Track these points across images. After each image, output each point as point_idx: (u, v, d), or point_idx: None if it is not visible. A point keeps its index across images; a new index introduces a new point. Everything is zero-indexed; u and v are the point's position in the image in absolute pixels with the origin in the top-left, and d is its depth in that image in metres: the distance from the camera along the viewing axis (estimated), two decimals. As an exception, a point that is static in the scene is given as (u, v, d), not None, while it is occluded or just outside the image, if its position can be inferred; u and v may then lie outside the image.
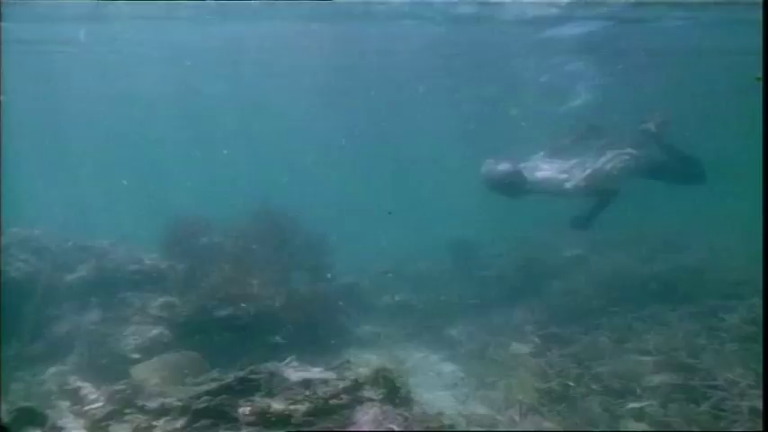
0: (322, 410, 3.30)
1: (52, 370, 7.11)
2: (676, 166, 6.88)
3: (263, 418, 3.22)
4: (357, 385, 3.57)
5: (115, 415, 3.38)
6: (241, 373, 3.94)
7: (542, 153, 7.26)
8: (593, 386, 5.78)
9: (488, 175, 6.87)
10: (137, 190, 29.91)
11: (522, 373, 6.22)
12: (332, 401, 3.37)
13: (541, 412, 5.29)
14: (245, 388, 3.83)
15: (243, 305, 7.09)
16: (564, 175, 6.91)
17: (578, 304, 8.26)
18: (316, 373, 4.09)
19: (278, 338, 7.19)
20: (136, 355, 6.74)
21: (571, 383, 5.83)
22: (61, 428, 3.18)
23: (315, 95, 18.74)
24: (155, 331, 7.17)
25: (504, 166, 6.80)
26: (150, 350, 6.78)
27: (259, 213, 9.84)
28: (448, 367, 7.77)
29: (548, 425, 4.88)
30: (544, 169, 7.04)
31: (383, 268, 10.96)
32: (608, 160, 6.81)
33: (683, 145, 6.91)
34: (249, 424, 3.26)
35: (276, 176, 26.97)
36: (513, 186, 6.87)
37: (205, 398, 3.48)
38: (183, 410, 3.35)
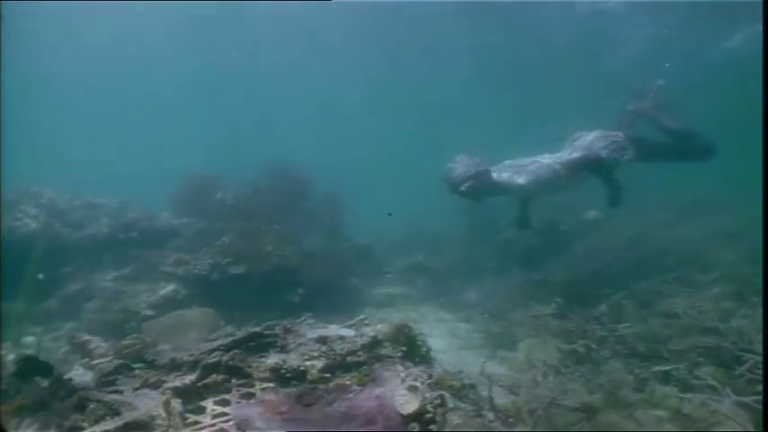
0: (339, 367, 3.14)
1: (66, 326, 7.09)
2: (677, 144, 6.38)
3: (278, 374, 3.07)
4: (376, 342, 3.40)
5: (124, 369, 3.25)
6: (255, 329, 3.80)
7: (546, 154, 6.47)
8: (618, 349, 5.57)
9: (448, 178, 6.14)
10: (148, 146, 29.94)
11: (543, 334, 6.03)
12: (349, 358, 3.21)
13: (564, 374, 5.11)
14: (260, 344, 3.69)
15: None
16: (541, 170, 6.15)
17: (600, 267, 8.00)
18: (332, 329, 3.92)
19: (293, 297, 7.07)
20: (149, 312, 6.67)
21: (594, 345, 5.63)
22: (69, 380, 3.05)
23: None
24: (168, 288, 7.08)
25: (464, 168, 6.04)
26: (164, 307, 6.70)
27: (274, 171, 9.65)
28: (465, 328, 7.62)
29: (572, 386, 4.69)
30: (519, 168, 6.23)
31: (388, 212, 10.58)
32: (601, 145, 6.25)
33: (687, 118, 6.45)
34: (263, 380, 3.11)
35: (293, 134, 26.75)
36: (477, 190, 6.08)
37: (217, 353, 3.33)
38: (194, 365, 3.20)
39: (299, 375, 3.07)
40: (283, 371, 3.06)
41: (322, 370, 3.06)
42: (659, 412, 4.27)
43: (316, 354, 3.17)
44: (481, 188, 6.11)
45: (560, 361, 5.32)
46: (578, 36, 14.54)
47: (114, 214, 9.04)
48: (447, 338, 7.10)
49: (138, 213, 9.03)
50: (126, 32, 19.39)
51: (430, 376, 2.61)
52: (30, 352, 3.21)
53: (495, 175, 6.19)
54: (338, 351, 3.18)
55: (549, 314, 6.58)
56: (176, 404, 2.66)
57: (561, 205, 10.49)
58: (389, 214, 7.41)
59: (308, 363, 3.05)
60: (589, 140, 6.33)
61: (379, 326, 3.58)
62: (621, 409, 4.28)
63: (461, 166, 6.08)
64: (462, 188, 6.00)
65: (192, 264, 7.16)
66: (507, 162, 6.35)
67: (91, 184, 10.79)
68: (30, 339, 6.11)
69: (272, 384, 3.04)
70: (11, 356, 3.16)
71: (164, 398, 2.52)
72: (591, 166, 6.16)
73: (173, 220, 8.99)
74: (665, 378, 4.98)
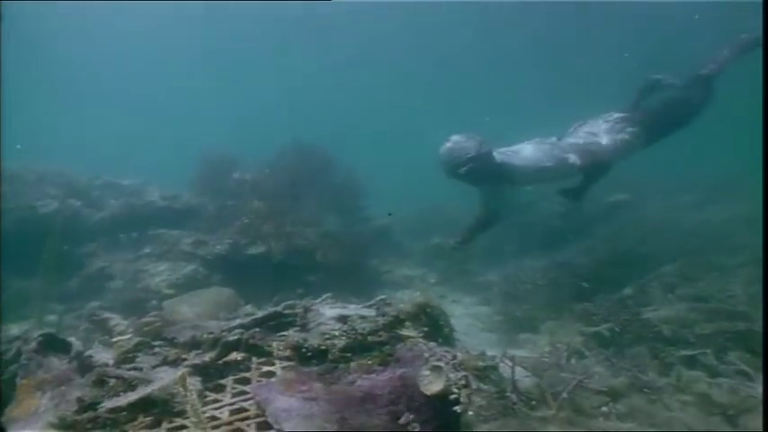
0: (360, 346, 3.08)
1: (88, 305, 7.14)
2: (682, 98, 6.03)
3: (298, 352, 3.02)
4: (397, 321, 3.33)
5: (143, 347, 3.23)
6: (275, 308, 3.76)
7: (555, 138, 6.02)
8: (643, 332, 5.45)
9: (444, 159, 5.48)
10: (167, 127, 30.08)
11: (566, 317, 5.93)
12: (370, 338, 3.15)
13: (587, 357, 5.01)
14: (280, 323, 3.66)
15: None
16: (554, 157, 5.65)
17: (625, 250, 7.84)
18: (353, 309, 3.87)
19: (311, 278, 7.05)
20: (169, 291, 6.69)
21: (618, 329, 5.53)
22: (89, 357, 3.04)
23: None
24: (188, 268, 7.10)
25: (463, 148, 5.38)
26: (184, 286, 6.72)
27: (293, 151, 9.59)
28: (484, 310, 7.55)
29: (597, 369, 4.60)
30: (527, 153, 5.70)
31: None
32: (609, 136, 5.86)
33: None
34: (283, 358, 3.07)
35: (312, 115, 26.68)
36: (477, 174, 5.46)
37: (237, 331, 3.29)
38: (214, 343, 3.17)
39: (320, 354, 3.01)
40: (304, 349, 3.01)
41: (343, 349, 3.01)
42: (686, 397, 4.15)
43: (336, 333, 3.11)
44: (482, 172, 5.44)
45: (584, 344, 5.23)
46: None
47: (134, 194, 9.08)
48: (466, 320, 7.04)
49: (157, 193, 9.06)
50: (148, 14, 19.48)
51: (454, 357, 2.53)
52: (51, 330, 3.19)
53: (498, 158, 5.56)
54: (359, 330, 3.12)
55: (572, 297, 6.47)
56: (195, 381, 2.63)
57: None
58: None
59: (328, 341, 2.99)
60: (598, 131, 5.96)
61: (402, 305, 3.51)
62: (646, 393, 4.18)
63: (460, 145, 5.41)
64: (461, 171, 5.34)
65: (212, 244, 7.17)
66: (515, 147, 5.81)
67: (111, 165, 10.88)
68: (52, 318, 6.17)
69: (292, 363, 2.99)
70: (32, 334, 3.14)
71: (179, 373, 2.49)
72: (591, 171, 5.73)
73: (192, 200, 9.01)
74: (691, 363, 4.87)
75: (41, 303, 6.16)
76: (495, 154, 5.57)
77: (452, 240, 6.15)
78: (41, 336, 2.92)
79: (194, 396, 2.41)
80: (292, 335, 3.27)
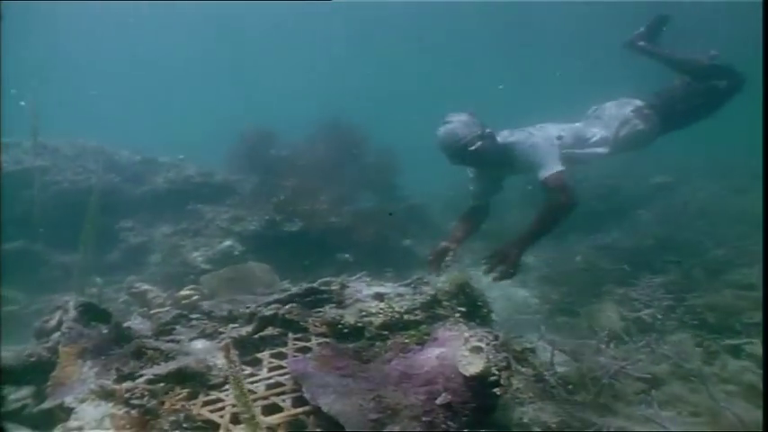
0: (397, 325, 3.04)
1: (128, 278, 7.28)
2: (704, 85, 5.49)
3: (335, 329, 2.99)
4: (435, 301, 3.27)
5: (181, 319, 3.25)
6: (312, 284, 3.74)
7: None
8: (686, 319, 5.29)
9: (447, 141, 4.98)
10: (205, 102, 30.44)
11: (606, 301, 5.79)
12: (407, 316, 3.10)
13: (628, 342, 4.88)
14: (316, 299, 3.63)
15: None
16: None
17: (669, 234, 7.61)
18: (390, 287, 3.83)
19: (346, 256, 7.05)
20: (207, 266, 6.77)
21: (660, 315, 5.37)
22: (128, 328, 3.07)
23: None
24: (225, 243, 7.16)
25: (467, 127, 4.93)
26: (221, 262, 6.78)
27: (329, 128, 9.55)
28: (520, 293, 7.42)
29: (637, 355, 4.48)
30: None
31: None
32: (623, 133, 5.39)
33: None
34: (319, 335, 3.04)
35: (349, 91, 26.64)
36: (485, 154, 4.96)
37: (274, 306, 3.28)
38: (251, 318, 3.17)
39: (356, 332, 2.98)
40: (340, 326, 2.98)
41: (379, 327, 2.97)
42: (731, 387, 4.01)
43: (373, 310, 3.07)
44: (488, 153, 5.00)
45: (624, 329, 5.09)
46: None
47: (172, 170, 9.19)
48: (501, 302, 6.93)
49: (195, 169, 9.15)
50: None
51: (496, 337, 2.46)
52: (91, 300, 3.24)
53: (502, 140, 5.16)
54: (396, 308, 3.07)
55: (612, 281, 6.32)
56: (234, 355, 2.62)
57: (626, 169, 10.04)
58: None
59: (365, 319, 2.95)
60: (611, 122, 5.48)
61: (439, 284, 3.44)
62: (688, 381, 4.05)
63: (463, 125, 4.97)
64: (472, 148, 4.89)
65: (248, 220, 7.21)
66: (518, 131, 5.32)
67: (150, 142, 11.04)
68: (92, 290, 6.31)
69: (328, 339, 2.97)
70: (73, 304, 3.19)
71: (223, 343, 2.48)
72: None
73: (229, 177, 9.09)
74: (736, 352, 4.70)
75: (82, 276, 6.30)
76: (498, 137, 5.17)
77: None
78: (81, 305, 2.96)
79: (238, 367, 2.40)
80: (329, 311, 3.24)
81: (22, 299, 6.78)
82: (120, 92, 32.28)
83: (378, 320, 2.99)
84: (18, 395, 3.37)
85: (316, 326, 3.15)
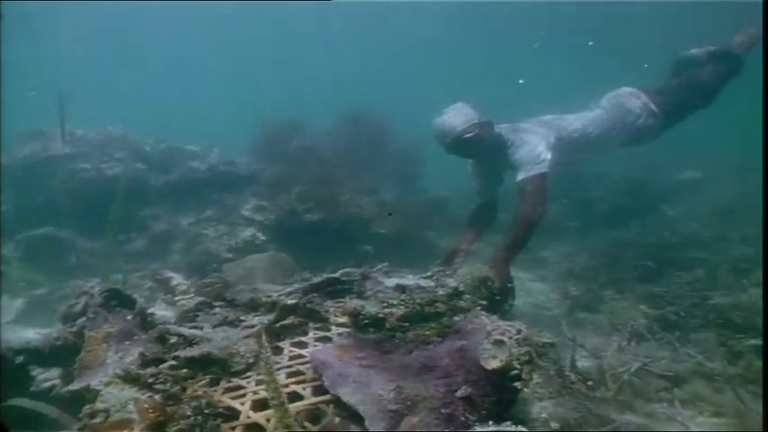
0: (418, 316, 3.03)
1: (153, 265, 7.40)
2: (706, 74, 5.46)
3: (355, 320, 3.00)
4: (457, 293, 3.26)
5: (204, 307, 3.29)
6: (333, 275, 3.76)
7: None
8: (710, 317, 5.19)
9: (442, 130, 4.92)
10: (229, 93, 30.59)
11: (628, 297, 5.72)
12: (427, 308, 3.10)
13: (650, 340, 4.82)
14: (337, 289, 3.65)
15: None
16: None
17: (693, 231, 7.49)
18: (411, 279, 3.82)
19: (367, 247, 7.05)
20: (229, 255, 6.83)
21: (683, 312, 5.29)
22: (152, 314, 3.12)
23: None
24: (247, 233, 7.22)
25: (463, 116, 4.83)
26: (243, 251, 6.84)
27: (351, 118, 9.55)
28: (539, 287, 7.36)
29: (659, 353, 4.42)
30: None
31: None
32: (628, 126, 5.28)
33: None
34: (339, 325, 3.06)
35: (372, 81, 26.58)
36: (481, 143, 4.86)
37: (295, 295, 3.30)
38: (272, 306, 3.19)
39: (377, 323, 2.98)
40: (361, 317, 2.99)
41: (400, 318, 2.96)
42: (754, 388, 3.94)
43: (395, 302, 3.07)
44: (484, 143, 4.88)
45: (646, 327, 5.03)
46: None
47: (197, 159, 9.28)
48: (520, 297, 6.87)
49: (219, 158, 9.22)
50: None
51: (519, 331, 2.44)
52: (116, 286, 3.30)
53: (499, 131, 5.01)
54: (417, 300, 3.07)
55: (635, 277, 6.24)
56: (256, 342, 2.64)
57: (653, 163, 9.88)
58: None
59: (386, 310, 2.95)
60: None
61: (461, 276, 3.43)
62: (711, 380, 3.99)
63: (458, 114, 4.89)
64: (467, 136, 4.78)
65: (270, 209, 7.25)
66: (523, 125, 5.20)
67: (175, 131, 11.13)
68: (118, 277, 6.43)
69: (348, 330, 2.98)
70: (98, 289, 3.26)
71: (256, 329, 2.52)
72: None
73: (252, 166, 9.15)
74: (761, 353, 4.61)
75: (107, 262, 6.41)
76: (496, 127, 5.05)
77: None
78: (106, 291, 3.02)
79: (269, 353, 2.43)
80: (350, 302, 3.25)
81: (49, 284, 6.91)
82: (145, 81, 32.64)
83: (399, 312, 2.99)
84: (47, 376, 3.47)
85: (336, 316, 3.17)
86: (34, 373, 3.46)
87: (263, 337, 2.54)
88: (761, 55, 5.15)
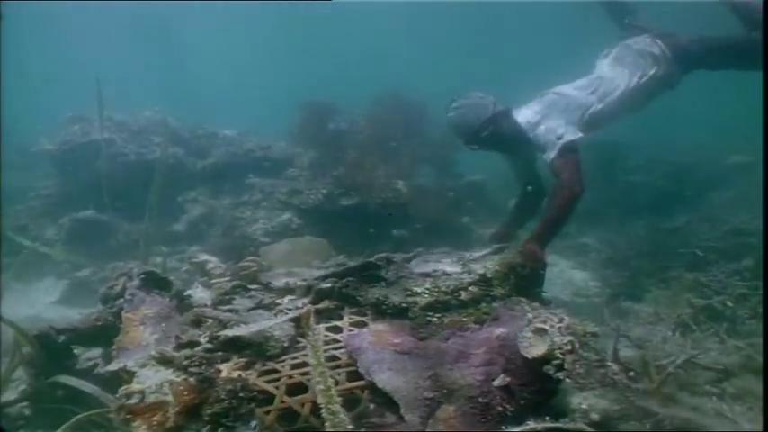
0: (444, 305, 2.96)
1: (191, 249, 7.49)
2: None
3: (379, 309, 2.94)
4: (484, 281, 3.17)
5: (240, 290, 3.28)
6: (368, 259, 3.70)
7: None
8: (760, 309, 4.97)
9: (457, 125, 4.71)
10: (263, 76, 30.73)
11: (673, 286, 5.53)
12: (452, 296, 3.02)
13: (696, 331, 4.64)
14: (372, 275, 3.60)
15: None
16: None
17: (742, 218, 7.18)
18: (446, 264, 3.75)
19: (403, 232, 6.99)
20: (265, 239, 6.85)
21: (731, 303, 5.07)
22: (189, 297, 3.13)
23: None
24: (284, 217, 7.22)
25: (477, 110, 4.60)
26: (279, 235, 6.84)
27: (388, 101, 9.44)
28: (579, 275, 7.18)
29: (706, 345, 4.25)
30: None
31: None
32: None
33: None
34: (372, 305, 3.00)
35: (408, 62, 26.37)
36: (499, 138, 4.66)
37: (330, 279, 3.27)
38: (307, 290, 3.17)
39: (400, 312, 2.92)
40: (384, 306, 2.93)
41: (424, 308, 2.91)
42: (805, 384, 3.74)
43: (419, 290, 3.02)
44: (505, 134, 4.65)
45: (692, 317, 4.84)
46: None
47: (234, 144, 9.34)
48: (559, 285, 6.74)
49: (255, 143, 9.27)
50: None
51: (561, 320, 2.36)
52: (153, 268, 3.33)
53: (517, 116, 4.72)
54: (443, 288, 3.01)
55: (680, 266, 6.02)
56: (289, 326, 2.62)
57: (700, 147, 9.52)
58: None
59: (410, 299, 2.91)
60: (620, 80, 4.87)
61: (488, 264, 3.33)
62: (760, 375, 3.81)
63: (472, 108, 4.65)
64: (483, 135, 4.58)
65: (306, 193, 7.23)
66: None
67: (212, 116, 11.24)
68: (157, 260, 6.53)
69: (377, 315, 2.93)
70: (136, 271, 3.30)
71: (305, 309, 2.49)
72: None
73: (288, 150, 9.16)
74: (815, 346, 4.40)
75: (147, 245, 6.51)
76: (513, 113, 4.74)
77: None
78: (144, 273, 3.04)
79: (317, 335, 2.40)
80: (371, 291, 3.18)
81: (92, 266, 7.07)
82: (186, 67, 33.10)
83: (423, 301, 2.93)
84: (89, 355, 3.55)
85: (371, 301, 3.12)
86: (77, 351, 3.54)
87: (311, 319, 2.51)
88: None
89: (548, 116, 4.56)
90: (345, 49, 30.19)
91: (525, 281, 3.29)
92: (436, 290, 3.05)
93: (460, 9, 23.34)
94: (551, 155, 4.33)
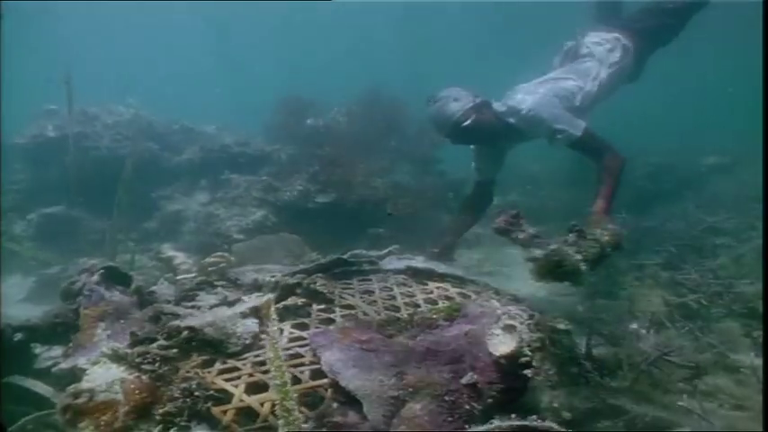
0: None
1: (164, 246, 7.34)
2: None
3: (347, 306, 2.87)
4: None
5: (206, 286, 3.19)
6: (340, 256, 3.64)
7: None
8: (734, 307, 4.99)
9: (439, 118, 4.73)
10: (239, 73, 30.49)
11: (649, 284, 5.52)
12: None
13: (670, 328, 4.64)
14: (344, 271, 3.53)
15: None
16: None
17: (718, 218, 7.23)
18: (418, 262, 3.70)
19: (380, 229, 6.93)
20: (240, 236, 6.75)
21: (705, 301, 5.08)
22: (152, 293, 3.04)
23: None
24: (259, 214, 7.13)
25: (459, 101, 4.62)
26: (254, 232, 6.76)
27: (367, 98, 9.38)
28: (558, 274, 7.16)
29: (680, 343, 4.24)
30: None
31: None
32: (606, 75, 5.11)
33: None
34: (344, 307, 2.93)
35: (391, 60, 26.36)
36: (482, 128, 4.71)
37: (299, 276, 3.19)
38: (275, 286, 3.08)
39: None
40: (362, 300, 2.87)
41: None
42: (778, 381, 3.74)
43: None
44: (487, 125, 4.69)
45: (667, 315, 4.84)
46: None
47: (210, 139, 9.23)
48: (533, 283, 6.70)
49: (232, 139, 9.16)
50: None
51: (530, 316, 2.30)
52: (112, 263, 3.22)
53: (497, 106, 4.79)
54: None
55: (657, 263, 6.02)
56: (253, 322, 2.54)
57: (678, 148, 9.60)
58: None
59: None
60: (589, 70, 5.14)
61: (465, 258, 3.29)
62: (734, 372, 3.81)
63: (453, 100, 4.66)
64: (465, 124, 4.60)
65: (282, 190, 7.15)
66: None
67: (188, 111, 11.07)
68: (126, 257, 6.39)
69: (352, 312, 2.86)
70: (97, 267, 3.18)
71: (265, 298, 2.41)
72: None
73: (265, 147, 9.06)
74: (787, 344, 4.41)
75: (115, 241, 6.36)
76: (493, 104, 4.83)
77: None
78: (103, 268, 2.93)
79: (275, 327, 2.32)
80: (355, 284, 3.13)
81: (61, 263, 6.90)
82: (160, 62, 32.71)
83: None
84: (50, 354, 3.41)
85: (342, 297, 3.05)
86: (37, 351, 3.41)
87: (271, 310, 2.42)
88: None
89: (543, 103, 4.67)
90: (333, 46, 30.06)
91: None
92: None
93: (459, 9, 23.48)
94: (576, 131, 4.56)
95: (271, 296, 2.65)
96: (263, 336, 2.49)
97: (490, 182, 5.37)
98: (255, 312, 2.46)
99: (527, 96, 4.73)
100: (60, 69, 6.97)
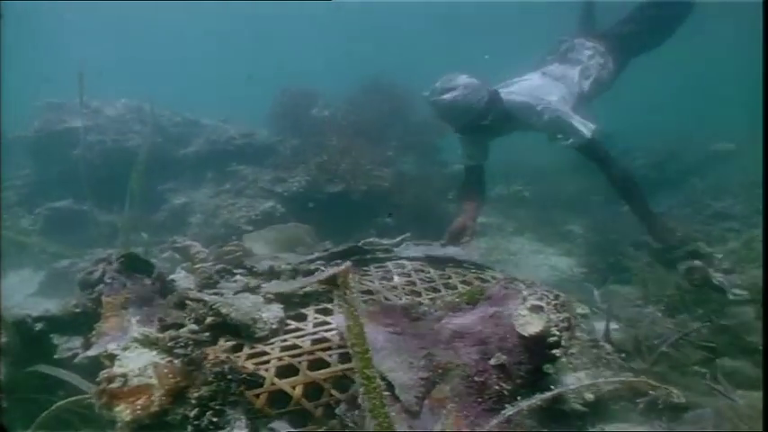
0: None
1: (173, 237, 7.34)
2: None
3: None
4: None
5: (224, 273, 3.18)
6: (356, 243, 3.64)
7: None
8: (744, 292, 4.99)
9: (453, 109, 4.56)
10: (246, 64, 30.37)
11: (659, 270, 5.52)
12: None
13: (684, 312, 4.64)
14: (360, 259, 3.53)
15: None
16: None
17: (726, 203, 7.24)
18: (436, 248, 3.70)
19: (387, 219, 6.93)
20: (248, 228, 6.75)
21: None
22: (172, 281, 3.03)
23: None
24: (266, 204, 7.13)
25: (472, 93, 4.48)
26: (262, 223, 6.76)
27: (372, 88, 9.35)
28: (564, 262, 7.18)
29: (694, 326, 4.25)
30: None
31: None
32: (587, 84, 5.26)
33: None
34: (365, 292, 2.93)
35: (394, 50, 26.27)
36: (498, 122, 4.68)
37: (318, 263, 3.19)
38: (294, 274, 3.08)
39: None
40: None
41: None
42: (792, 363, 3.74)
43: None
44: (499, 119, 4.63)
45: (680, 299, 4.84)
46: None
47: (215, 132, 9.18)
48: (545, 271, 6.73)
49: (237, 131, 9.11)
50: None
51: (556, 296, 2.30)
52: (133, 250, 3.21)
53: (506, 97, 4.75)
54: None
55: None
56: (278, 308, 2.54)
57: (683, 135, 9.58)
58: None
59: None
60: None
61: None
62: (752, 353, 3.81)
63: (469, 91, 4.47)
64: (486, 122, 4.52)
65: (290, 181, 7.14)
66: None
67: (192, 103, 11.01)
68: (138, 249, 6.37)
69: (374, 297, 2.86)
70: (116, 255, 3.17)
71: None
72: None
73: (271, 137, 9.03)
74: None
75: (127, 233, 6.36)
76: (502, 94, 4.80)
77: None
78: (123, 256, 2.92)
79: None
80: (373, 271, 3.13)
81: (71, 256, 6.89)
82: (164, 54, 32.54)
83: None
84: (69, 345, 3.41)
85: (361, 283, 3.04)
86: (57, 341, 3.40)
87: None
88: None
89: (550, 100, 4.75)
90: (334, 43, 29.95)
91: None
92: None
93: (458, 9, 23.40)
94: (585, 133, 4.66)
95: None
96: (289, 322, 2.50)
97: (480, 166, 5.35)
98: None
99: (549, 97, 4.79)
100: (59, 68, 6.93)
